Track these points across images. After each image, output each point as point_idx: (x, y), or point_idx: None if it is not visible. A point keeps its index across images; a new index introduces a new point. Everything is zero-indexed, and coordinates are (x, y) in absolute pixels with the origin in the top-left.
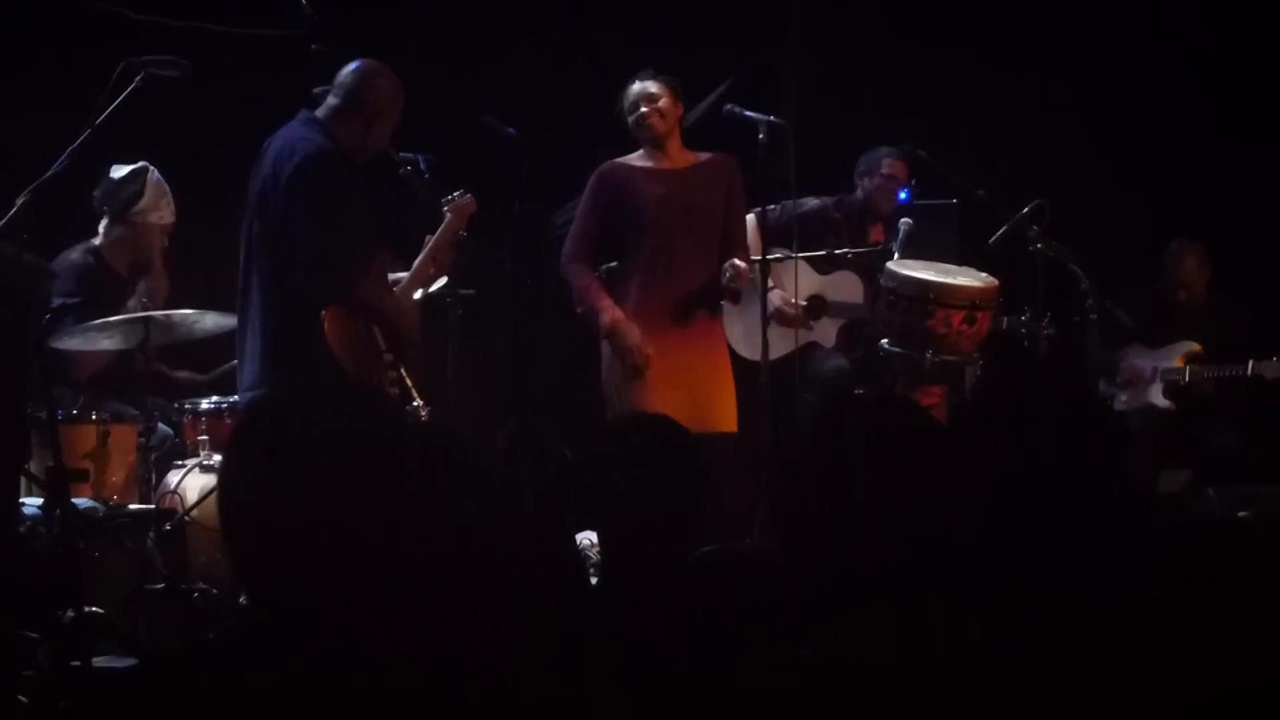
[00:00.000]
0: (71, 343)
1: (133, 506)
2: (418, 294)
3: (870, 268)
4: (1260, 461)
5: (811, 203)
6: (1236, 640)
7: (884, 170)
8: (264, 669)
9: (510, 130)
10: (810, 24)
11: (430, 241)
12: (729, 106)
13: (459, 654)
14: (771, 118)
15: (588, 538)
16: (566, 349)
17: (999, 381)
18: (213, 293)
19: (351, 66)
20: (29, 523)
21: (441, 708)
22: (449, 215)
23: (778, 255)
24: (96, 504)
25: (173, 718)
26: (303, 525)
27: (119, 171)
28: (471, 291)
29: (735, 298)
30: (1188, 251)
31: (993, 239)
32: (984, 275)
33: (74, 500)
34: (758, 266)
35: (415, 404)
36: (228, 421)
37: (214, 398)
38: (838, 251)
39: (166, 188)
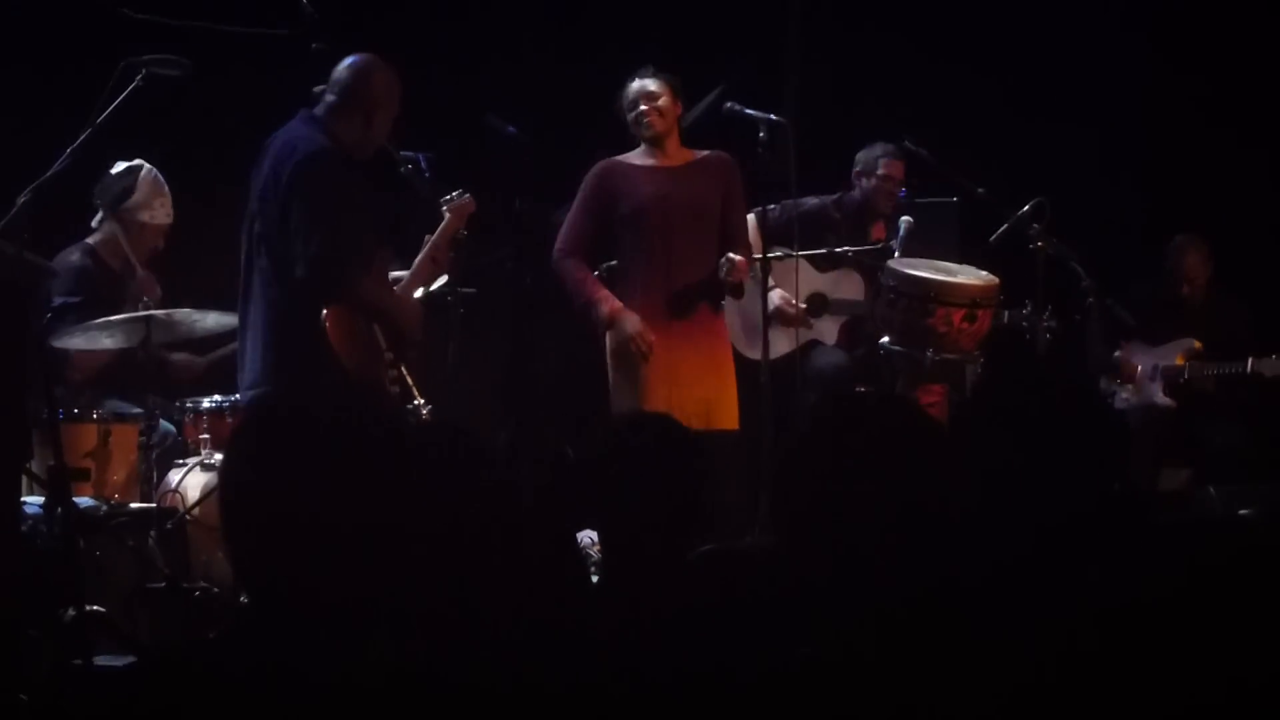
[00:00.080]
0: (73, 341)
1: (134, 505)
2: (418, 292)
3: (871, 266)
4: (1261, 459)
5: (811, 202)
6: (1237, 639)
7: (880, 172)
8: (264, 668)
9: (511, 128)
10: (810, 23)
11: (430, 241)
12: (729, 104)
13: (460, 652)
14: (772, 116)
15: (588, 536)
16: (567, 347)
17: (999, 379)
18: (214, 292)
19: (346, 62)
20: (30, 521)
21: (442, 706)
22: (448, 215)
23: (778, 254)
24: (98, 503)
25: (173, 717)
26: (304, 524)
27: (118, 168)
28: (472, 290)
29: (737, 293)
30: (1191, 246)
31: (993, 237)
32: (984, 273)
33: (75, 499)
34: (758, 264)
35: (416, 402)
36: (229, 420)
37: (215, 396)
38: (838, 250)
39: (164, 188)
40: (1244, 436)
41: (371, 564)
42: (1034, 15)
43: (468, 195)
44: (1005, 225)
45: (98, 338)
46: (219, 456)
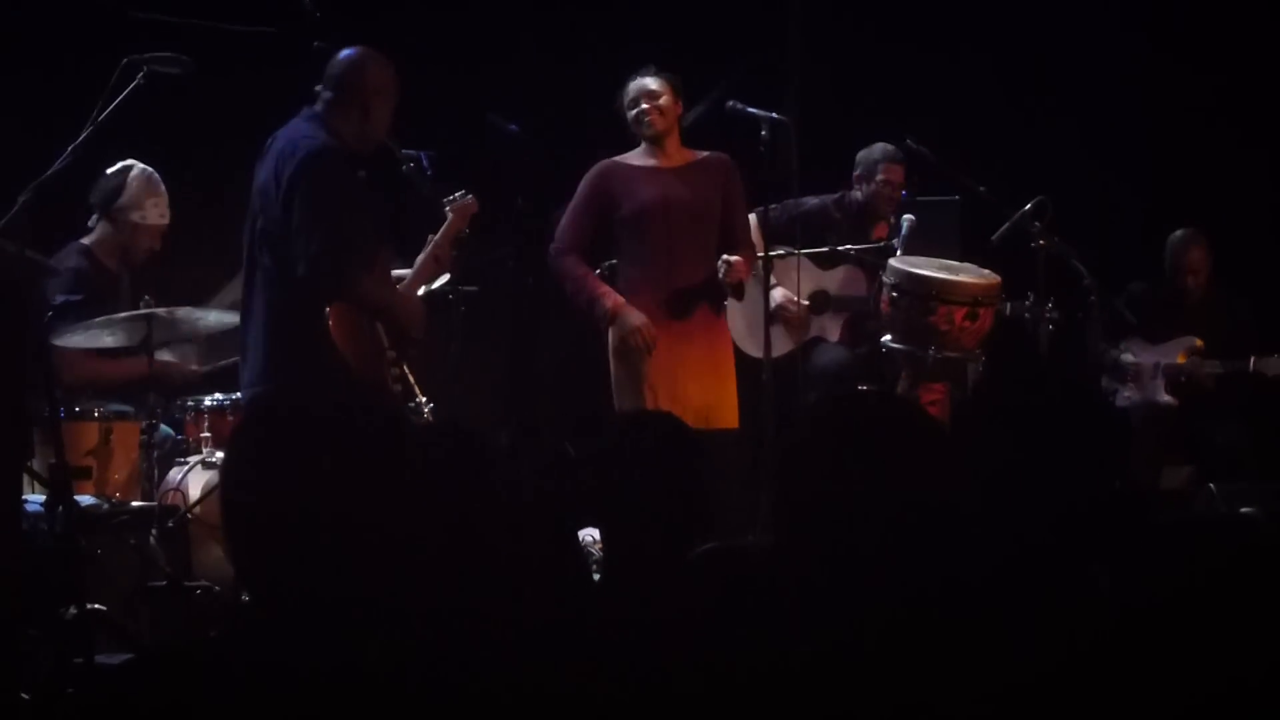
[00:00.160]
0: (74, 339)
1: (135, 504)
2: (421, 290)
3: (873, 264)
4: (1263, 457)
5: (811, 201)
6: (1238, 638)
7: (880, 177)
8: (265, 666)
9: (513, 127)
10: (811, 23)
11: (432, 241)
12: (731, 103)
13: (461, 651)
14: (774, 115)
15: (590, 534)
16: (569, 345)
17: (1001, 376)
18: (215, 291)
19: (340, 56)
20: (31, 520)
21: (442, 706)
22: (450, 215)
23: (780, 252)
24: (99, 501)
25: (174, 715)
26: (305, 522)
27: (111, 168)
28: (474, 288)
29: (737, 293)
30: (1193, 240)
31: (995, 235)
32: (986, 271)
33: (76, 497)
34: (760, 263)
35: (418, 401)
36: (230, 418)
37: (216, 395)
38: (840, 248)
39: (158, 188)
40: (1245, 434)
41: (372, 563)
42: (1034, 14)
43: (470, 196)
44: (1007, 224)
45: (99, 336)
46: (220, 455)
